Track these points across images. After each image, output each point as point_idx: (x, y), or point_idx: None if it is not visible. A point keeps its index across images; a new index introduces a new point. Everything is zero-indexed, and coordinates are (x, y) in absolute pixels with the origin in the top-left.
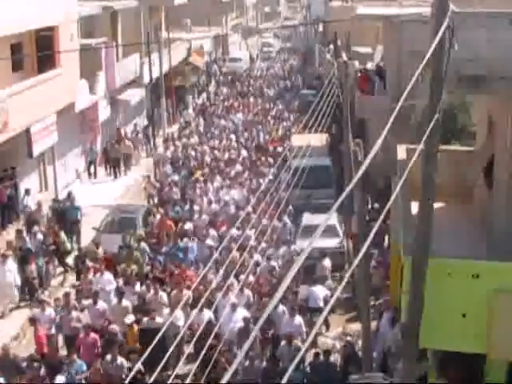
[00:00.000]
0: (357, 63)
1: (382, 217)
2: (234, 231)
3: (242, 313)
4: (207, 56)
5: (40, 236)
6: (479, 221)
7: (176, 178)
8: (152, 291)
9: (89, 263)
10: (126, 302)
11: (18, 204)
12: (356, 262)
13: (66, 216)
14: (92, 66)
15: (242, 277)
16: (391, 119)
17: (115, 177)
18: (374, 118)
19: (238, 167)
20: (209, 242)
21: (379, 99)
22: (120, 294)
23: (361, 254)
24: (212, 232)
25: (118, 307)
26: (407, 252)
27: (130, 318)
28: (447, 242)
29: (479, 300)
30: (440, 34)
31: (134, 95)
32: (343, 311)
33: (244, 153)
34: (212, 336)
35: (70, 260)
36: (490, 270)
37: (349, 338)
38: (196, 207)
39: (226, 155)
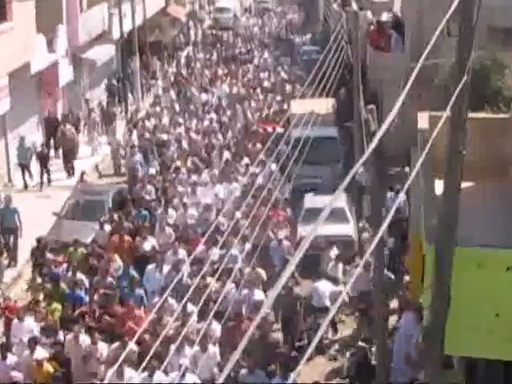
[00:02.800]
0: (369, 14)
1: (400, 196)
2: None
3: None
4: (189, 5)
5: None
6: None
7: (152, 171)
8: (88, 341)
9: (49, 255)
10: (43, 353)
11: None
12: (369, 251)
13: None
14: (51, 17)
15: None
16: (410, 81)
17: (69, 174)
18: (390, 79)
19: (226, 155)
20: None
21: (396, 57)
22: (34, 343)
23: (374, 243)
24: (182, 252)
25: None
26: (430, 240)
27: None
28: (477, 228)
29: None
30: None
31: (102, 53)
32: (354, 310)
33: (228, 136)
34: None
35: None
36: None
37: (361, 344)
38: (172, 212)
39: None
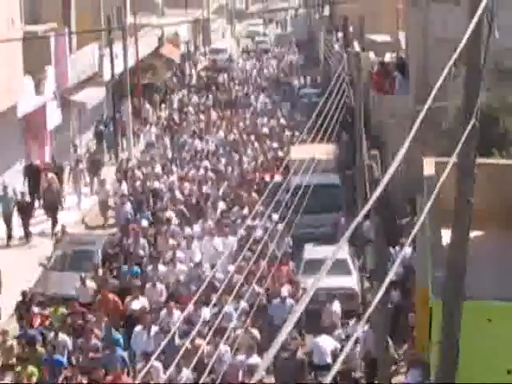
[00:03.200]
0: (372, 55)
1: (404, 248)
2: (206, 310)
3: None
4: (184, 46)
5: None
6: None
7: (145, 223)
8: None
9: (35, 309)
10: None
11: None
12: (372, 306)
13: None
14: (39, 59)
15: None
16: (416, 125)
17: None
18: (394, 123)
19: (221, 205)
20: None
21: (400, 99)
22: None
23: (378, 297)
24: (176, 313)
25: None
26: (437, 293)
27: None
28: (487, 280)
29: None
30: (477, 17)
31: (92, 96)
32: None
33: (224, 185)
34: None
35: None
36: None
37: None
38: (162, 268)
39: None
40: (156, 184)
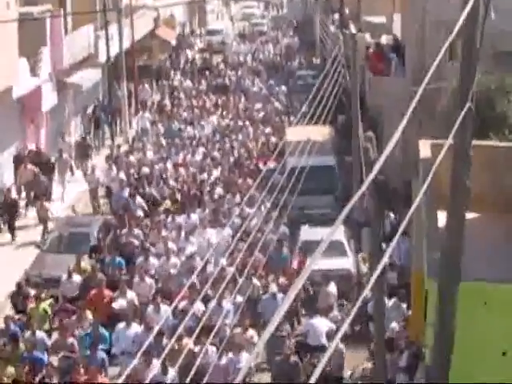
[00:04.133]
0: (368, 36)
1: (400, 230)
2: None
3: None
4: (179, 28)
5: None
6: None
7: (140, 212)
8: None
9: (31, 290)
10: None
11: None
12: (368, 287)
13: None
14: (34, 40)
15: None
16: (411, 107)
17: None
18: (390, 105)
19: (218, 191)
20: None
21: (396, 81)
22: None
23: (374, 278)
24: (164, 308)
25: None
26: (432, 275)
27: None
28: (483, 262)
29: None
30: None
31: (88, 78)
32: (353, 348)
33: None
34: None
35: None
36: None
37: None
38: (154, 261)
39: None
40: (147, 170)
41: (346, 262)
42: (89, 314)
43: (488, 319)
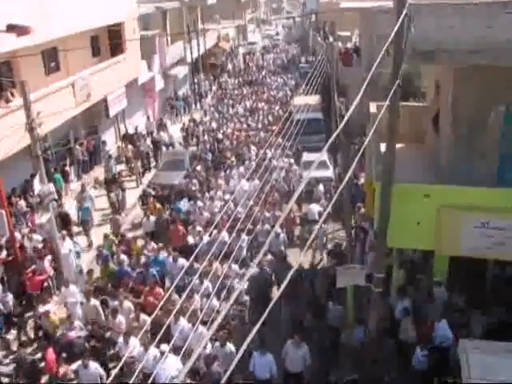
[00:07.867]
0: (340, 44)
1: (359, 154)
2: (224, 235)
3: (173, 364)
4: (232, 41)
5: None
6: (429, 156)
7: (198, 167)
8: (132, 315)
9: (151, 191)
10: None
11: (100, 151)
12: (342, 186)
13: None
14: (149, 50)
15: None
16: (365, 84)
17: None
18: (353, 83)
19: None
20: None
21: (356, 70)
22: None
23: (345, 180)
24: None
25: (87, 306)
26: (378, 179)
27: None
28: (406, 171)
29: (429, 212)
30: (400, 20)
31: (180, 71)
32: (332, 222)
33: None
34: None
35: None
36: (437, 191)
37: (336, 241)
38: (200, 203)
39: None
40: (219, 135)
41: (328, 173)
42: (154, 244)
43: (409, 204)
